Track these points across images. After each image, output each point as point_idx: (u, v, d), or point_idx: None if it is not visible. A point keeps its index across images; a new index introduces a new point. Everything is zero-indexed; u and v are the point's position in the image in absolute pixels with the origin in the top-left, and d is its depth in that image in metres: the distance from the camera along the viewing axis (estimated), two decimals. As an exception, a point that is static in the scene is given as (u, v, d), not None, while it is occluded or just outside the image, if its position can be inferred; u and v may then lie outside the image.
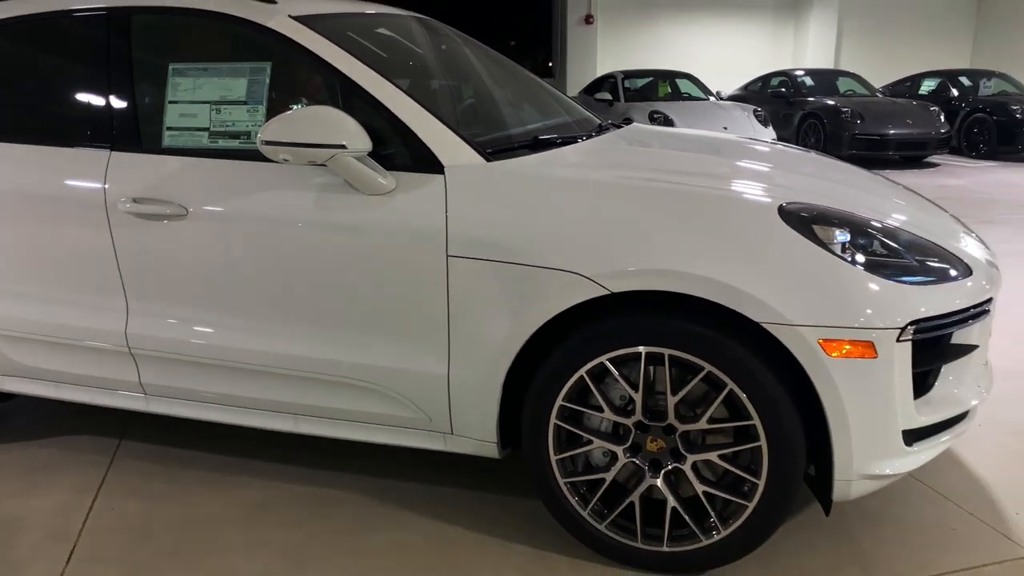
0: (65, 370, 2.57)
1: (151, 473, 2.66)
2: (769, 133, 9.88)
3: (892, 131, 10.55)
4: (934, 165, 10.99)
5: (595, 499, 2.11)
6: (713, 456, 2.00)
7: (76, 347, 2.51)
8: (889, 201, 2.40)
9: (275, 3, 2.39)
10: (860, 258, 1.91)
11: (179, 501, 2.50)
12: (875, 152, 10.60)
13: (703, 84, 11.54)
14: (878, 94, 12.26)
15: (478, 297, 2.07)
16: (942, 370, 2.06)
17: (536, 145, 2.36)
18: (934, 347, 2.02)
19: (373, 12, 2.73)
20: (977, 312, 2.04)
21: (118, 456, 2.77)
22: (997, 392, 3.22)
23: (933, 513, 2.39)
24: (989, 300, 2.09)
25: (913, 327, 1.86)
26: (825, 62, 16.14)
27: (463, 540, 2.27)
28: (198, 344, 2.38)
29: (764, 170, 2.50)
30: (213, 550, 2.25)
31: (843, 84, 12.49)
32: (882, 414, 1.89)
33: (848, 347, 1.84)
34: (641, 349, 1.96)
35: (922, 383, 2.03)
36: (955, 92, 12.51)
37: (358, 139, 2.04)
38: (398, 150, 2.16)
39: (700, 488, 2.02)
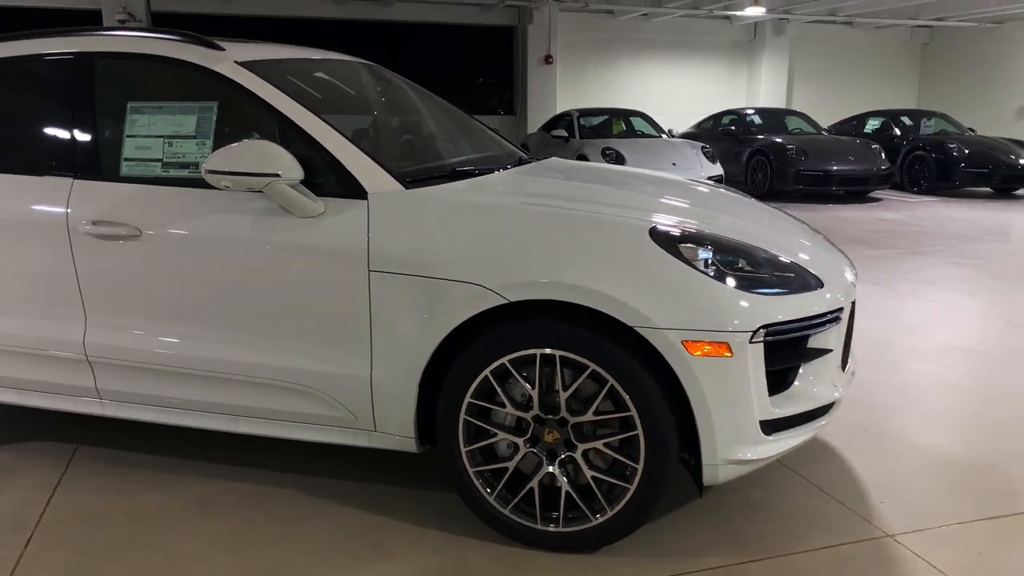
0: (28, 378, 2.80)
1: (106, 472, 2.89)
2: (716, 169, 10.35)
3: (835, 167, 11.08)
4: (877, 200, 11.52)
5: (500, 486, 2.39)
6: (599, 444, 2.29)
7: (39, 356, 2.75)
8: (767, 229, 2.73)
9: (223, 50, 2.69)
10: (719, 272, 2.23)
11: (131, 496, 2.73)
12: (819, 187, 11.13)
13: (656, 123, 12.03)
14: (823, 132, 12.84)
15: (396, 307, 2.36)
16: (800, 370, 2.37)
17: (454, 175, 2.68)
18: (793, 349, 2.35)
19: (315, 58, 3.06)
20: (828, 319, 2.36)
21: (75, 458, 3.00)
22: (884, 400, 3.57)
23: (808, 502, 2.70)
24: (840, 309, 2.41)
25: (764, 330, 2.19)
26: (778, 101, 16.82)
27: (385, 527, 2.53)
28: (150, 352, 2.63)
29: (654, 200, 2.82)
30: (161, 537, 2.48)
31: (791, 122, 13.06)
32: (740, 406, 2.20)
33: (707, 347, 2.15)
34: (536, 351, 2.26)
35: (783, 380, 2.35)
36: (897, 131, 13.13)
37: (291, 169, 2.34)
38: (328, 179, 2.45)
39: (589, 474, 2.31)
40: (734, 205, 3.02)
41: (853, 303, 2.76)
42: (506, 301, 2.24)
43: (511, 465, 2.37)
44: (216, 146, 2.55)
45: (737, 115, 13.07)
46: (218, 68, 2.60)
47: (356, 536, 2.49)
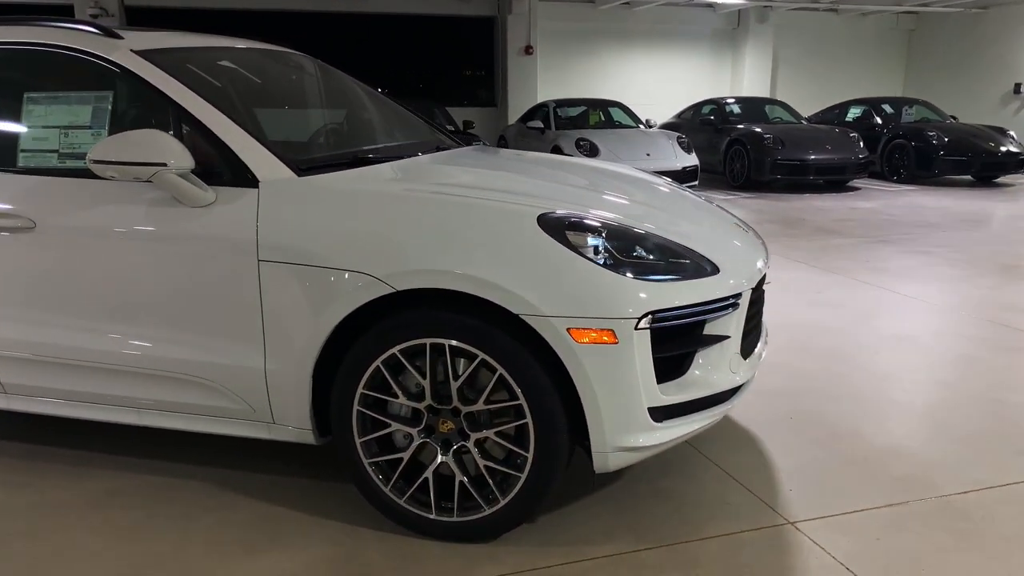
0: None
1: (13, 467, 2.87)
2: (691, 159, 10.33)
3: (812, 156, 11.05)
4: (855, 189, 11.49)
5: (395, 477, 2.37)
6: (491, 434, 2.27)
7: None
8: (676, 217, 2.68)
9: (121, 38, 2.66)
10: (608, 259, 2.20)
11: (36, 489, 2.71)
12: (796, 176, 11.09)
13: (633, 113, 11.99)
14: (803, 121, 12.79)
15: (287, 297, 2.33)
16: (696, 356, 2.35)
17: (354, 163, 2.65)
18: (687, 335, 2.32)
19: (226, 47, 3.02)
20: (724, 306, 2.34)
21: (-13, 453, 2.99)
22: (805, 387, 3.55)
23: (715, 489, 2.68)
24: (738, 296, 2.39)
25: (651, 317, 2.16)
26: (762, 90, 16.76)
27: (286, 518, 2.52)
28: (50, 345, 2.61)
29: (560, 187, 2.79)
30: (61, 529, 2.47)
31: (772, 111, 13.02)
32: (626, 393, 2.18)
33: (593, 334, 2.13)
34: (426, 341, 2.23)
35: (678, 367, 2.33)
36: (879, 119, 13.10)
37: (180, 158, 2.31)
38: (221, 167, 2.42)
39: (482, 463, 2.29)
40: (653, 195, 2.99)
41: (761, 289, 2.75)
42: (393, 290, 2.22)
43: (405, 456, 2.35)
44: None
45: (716, 104, 13.01)
46: (113, 57, 2.56)
47: (255, 527, 2.47)
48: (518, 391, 2.19)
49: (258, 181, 2.38)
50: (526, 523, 2.45)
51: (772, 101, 13.56)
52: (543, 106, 12.05)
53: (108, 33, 2.67)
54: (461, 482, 2.32)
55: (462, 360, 2.24)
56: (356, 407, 2.34)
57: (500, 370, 2.19)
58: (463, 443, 2.30)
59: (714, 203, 3.24)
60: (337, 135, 3.22)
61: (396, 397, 2.32)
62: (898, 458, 2.89)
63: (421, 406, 2.31)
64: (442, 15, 15.37)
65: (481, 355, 2.20)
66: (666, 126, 13.36)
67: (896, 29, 18.76)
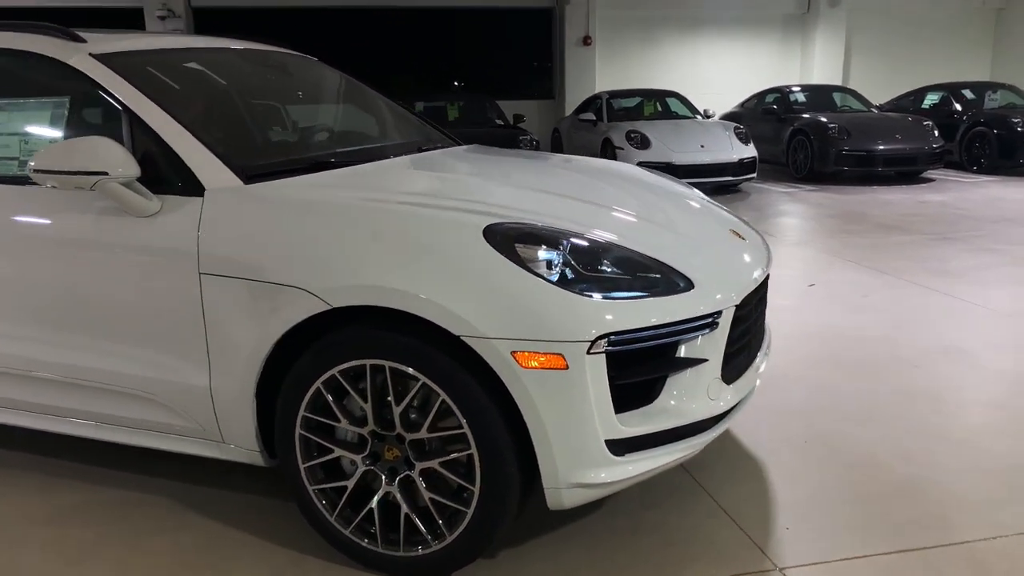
0: None
1: (-13, 477, 2.84)
2: (748, 150, 9.88)
3: (881, 147, 10.44)
4: (929, 180, 10.82)
5: (340, 505, 2.21)
6: (435, 464, 2.09)
7: None
8: (657, 226, 2.43)
9: (84, 42, 2.57)
10: (562, 275, 1.99)
11: (7, 500, 2.67)
12: (863, 168, 10.51)
13: (690, 103, 11.57)
14: (873, 109, 12.12)
15: (228, 312, 2.20)
16: (667, 382, 2.11)
17: (315, 167, 2.50)
18: (657, 359, 2.09)
19: (191, 47, 2.90)
20: (696, 327, 2.09)
21: (-36, 463, 2.97)
22: (828, 405, 3.24)
23: (704, 525, 2.44)
24: (716, 314, 2.14)
25: (605, 340, 1.94)
26: (833, 78, 15.98)
27: (234, 542, 2.39)
28: (9, 356, 2.54)
29: (529, 192, 2.56)
30: (14, 544, 2.41)
31: (840, 100, 12.38)
32: (579, 423, 1.96)
33: (540, 359, 1.92)
34: (366, 362, 2.07)
35: (647, 394, 2.10)
36: (958, 106, 12.31)
37: (123, 166, 2.19)
38: (169, 175, 2.30)
39: (427, 495, 2.11)
40: (644, 200, 2.74)
41: (761, 300, 2.49)
42: (329, 307, 2.05)
43: (350, 484, 2.19)
44: (68, 143, 2.43)
45: (780, 93, 12.45)
46: (71, 61, 2.47)
47: (202, 551, 2.36)
48: (461, 419, 2.00)
49: (204, 189, 2.26)
50: (485, 559, 2.27)
51: (840, 89, 12.90)
52: (596, 98, 11.75)
53: (69, 36, 2.58)
54: (407, 514, 2.15)
55: (404, 384, 2.07)
56: (299, 430, 2.19)
57: (442, 395, 2.01)
58: (409, 472, 2.13)
59: (721, 208, 2.98)
60: (305, 137, 3.07)
61: (338, 421, 2.16)
62: (918, 493, 2.59)
63: (365, 431, 2.14)
64: (499, 7, 15.14)
65: (423, 379, 2.01)
66: (728, 116, 12.88)
67: (983, 9, 17.61)
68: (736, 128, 10.21)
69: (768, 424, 3.11)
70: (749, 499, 2.58)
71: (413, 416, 2.09)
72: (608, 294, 2.01)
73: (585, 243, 2.11)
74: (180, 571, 2.26)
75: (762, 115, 12.10)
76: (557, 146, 12.66)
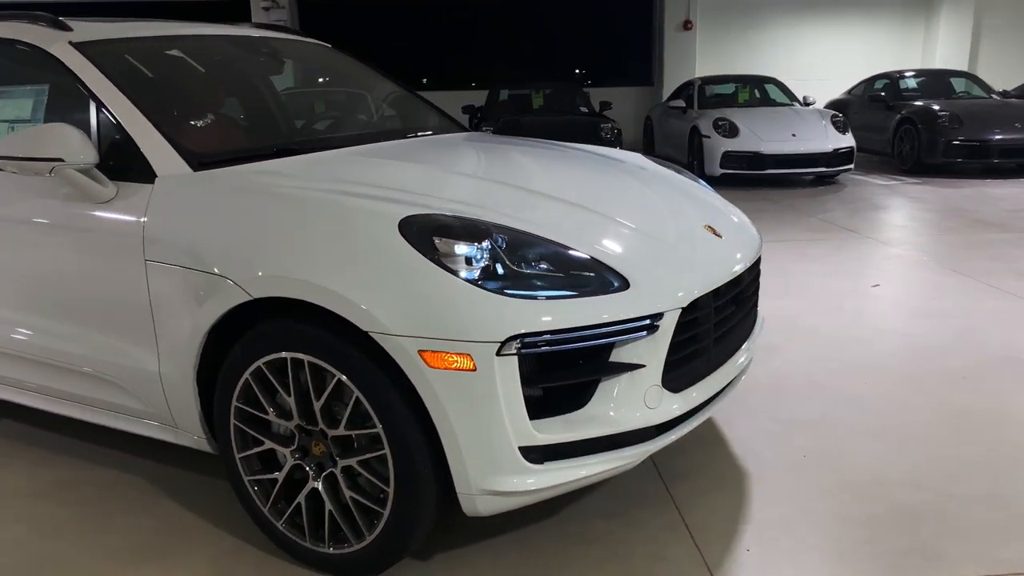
0: None
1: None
2: (846, 140, 9.30)
3: (997, 136, 9.58)
4: (1056, 173, 9.85)
5: (272, 497, 2.19)
6: (354, 462, 2.03)
7: None
8: (607, 219, 2.26)
9: (69, 30, 2.64)
10: (481, 271, 1.88)
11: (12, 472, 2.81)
12: (977, 159, 9.68)
13: (789, 90, 10.99)
14: (994, 96, 11.14)
15: (170, 300, 2.21)
16: (599, 387, 1.97)
17: (275, 155, 2.48)
18: (589, 361, 1.95)
19: (174, 35, 2.93)
20: (629, 329, 1.94)
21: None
22: (844, 417, 2.96)
23: (658, 540, 2.27)
24: (657, 316, 1.97)
25: (517, 341, 1.82)
26: (959, 63, 14.79)
27: (191, 528, 2.41)
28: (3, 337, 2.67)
29: (469, 182, 2.47)
30: (-8, 520, 2.53)
31: (957, 85, 11.46)
32: (490, 428, 1.85)
33: (449, 359, 1.83)
34: (285, 355, 2.03)
35: (576, 399, 1.96)
36: (1098, 91, 11.16)
37: (79, 152, 2.24)
38: (128, 162, 2.34)
39: (348, 493, 2.06)
40: (607, 188, 2.58)
41: (737, 304, 2.31)
42: (250, 297, 2.03)
43: (280, 476, 2.16)
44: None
45: (889, 79, 11.64)
46: (51, 49, 2.55)
47: (160, 535, 2.39)
48: (374, 417, 1.93)
49: (155, 176, 2.28)
50: (417, 560, 2.19)
51: (959, 74, 11.93)
52: (689, 84, 11.34)
53: (55, 24, 2.66)
54: (331, 511, 2.10)
55: (323, 379, 2.01)
56: (233, 420, 2.19)
57: (356, 392, 1.94)
58: (332, 469, 2.08)
59: (715, 200, 2.78)
60: (276, 124, 3.04)
61: (267, 413, 2.13)
62: (916, 521, 2.32)
63: (291, 425, 2.11)
64: (598, -8, 14.90)
65: (338, 375, 1.96)
66: (833, 104, 12.19)
67: None
68: (834, 116, 9.62)
69: (769, 434, 2.89)
70: (719, 515, 2.39)
71: (334, 412, 2.04)
72: (530, 292, 1.89)
73: (514, 238, 1.99)
74: (130, 555, 2.30)
75: (869, 103, 11.35)
76: (648, 134, 12.32)
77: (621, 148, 9.62)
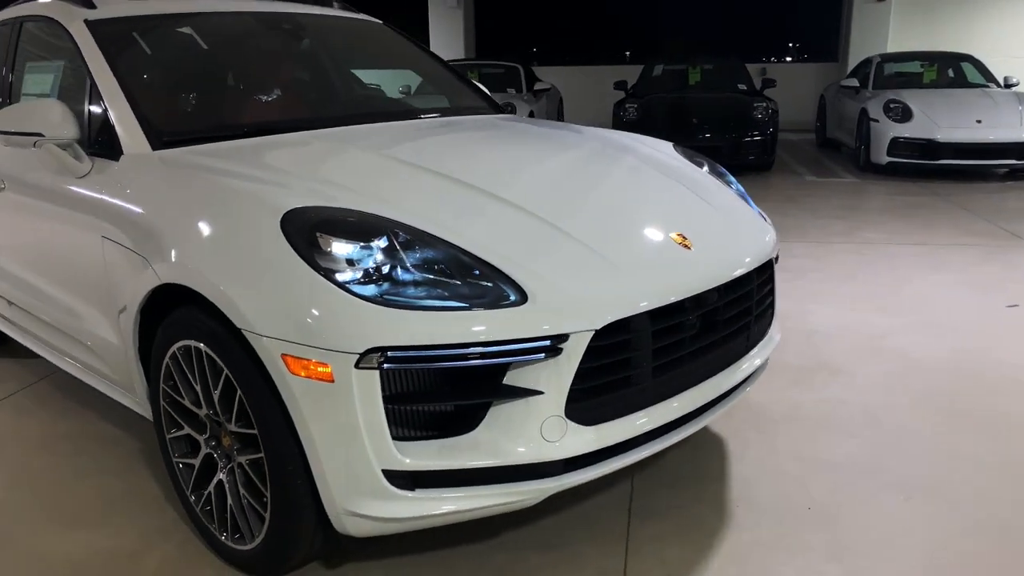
0: None
1: (43, 393, 3.24)
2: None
3: None
4: None
5: (191, 482, 2.18)
6: (243, 460, 1.96)
7: None
8: (529, 218, 2.01)
9: (93, 7, 2.73)
10: (357, 273, 1.73)
11: (19, 422, 3.03)
12: None
13: (987, 69, 9.64)
14: None
15: (119, 278, 2.25)
16: (488, 412, 1.76)
17: (249, 134, 2.46)
18: (482, 382, 1.75)
19: (195, 12, 2.94)
20: (523, 350, 1.71)
21: None
22: (869, 462, 2.55)
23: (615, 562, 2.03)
24: (560, 338, 1.72)
25: (379, 355, 1.65)
26: None
27: (143, 497, 2.47)
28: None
29: (397, 170, 2.29)
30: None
31: None
32: (348, 446, 1.71)
33: (310, 367, 1.70)
34: (190, 343, 1.99)
35: (467, 421, 1.77)
36: None
37: (59, 128, 2.33)
38: (107, 138, 2.39)
39: (241, 491, 2.00)
40: (580, 179, 2.34)
41: (702, 328, 2.01)
42: (160, 282, 2.01)
43: (196, 463, 2.15)
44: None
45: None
46: (69, 26, 2.65)
47: (117, 501, 2.46)
48: (252, 417, 1.85)
49: (123, 153, 2.32)
50: (324, 567, 2.10)
51: None
52: (868, 61, 10.26)
53: (80, 2, 2.75)
54: (231, 505, 2.05)
55: (217, 371, 1.95)
56: (161, 402, 2.19)
57: (239, 390, 1.87)
58: (233, 464, 2.03)
59: (709, 196, 2.43)
60: (269, 103, 2.96)
61: (183, 399, 2.11)
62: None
63: (201, 413, 2.08)
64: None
65: (226, 370, 1.89)
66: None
67: None
68: (1030, 102, 8.33)
69: (780, 476, 2.51)
70: (668, 566, 2.09)
71: (230, 406, 1.98)
72: (410, 301, 1.71)
73: (408, 238, 1.81)
74: (83, 517, 2.38)
75: (1092, 85, 9.72)
76: (822, 115, 11.31)
77: (775, 131, 8.94)
